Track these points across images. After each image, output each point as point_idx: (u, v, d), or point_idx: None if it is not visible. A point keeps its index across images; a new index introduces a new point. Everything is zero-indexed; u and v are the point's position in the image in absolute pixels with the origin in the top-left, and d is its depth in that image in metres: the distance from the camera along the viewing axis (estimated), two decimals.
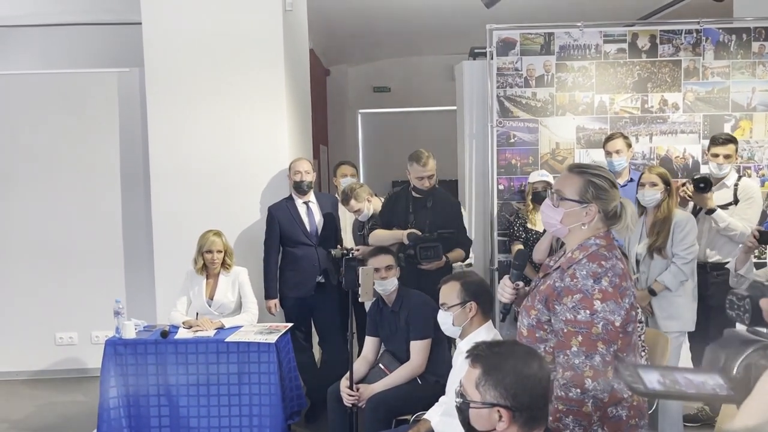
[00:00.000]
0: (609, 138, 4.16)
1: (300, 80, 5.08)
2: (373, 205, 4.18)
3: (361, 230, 4.28)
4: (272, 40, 4.46)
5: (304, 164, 4.27)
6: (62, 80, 5.00)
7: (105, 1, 5.75)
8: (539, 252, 3.81)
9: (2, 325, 4.96)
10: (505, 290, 2.09)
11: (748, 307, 0.71)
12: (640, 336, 2.81)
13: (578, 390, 1.74)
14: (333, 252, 3.86)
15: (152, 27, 4.46)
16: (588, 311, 1.77)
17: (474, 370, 1.49)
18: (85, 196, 4.97)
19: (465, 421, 1.50)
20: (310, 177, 4.26)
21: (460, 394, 1.52)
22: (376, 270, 3.32)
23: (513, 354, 1.50)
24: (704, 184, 3.58)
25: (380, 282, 3.33)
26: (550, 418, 1.72)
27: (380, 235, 3.91)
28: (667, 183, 3.46)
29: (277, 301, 4.24)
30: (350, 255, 3.74)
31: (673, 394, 0.74)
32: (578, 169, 1.93)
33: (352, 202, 4.13)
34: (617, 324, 1.77)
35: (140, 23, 4.47)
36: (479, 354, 1.51)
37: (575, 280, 1.81)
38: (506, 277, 2.10)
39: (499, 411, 1.44)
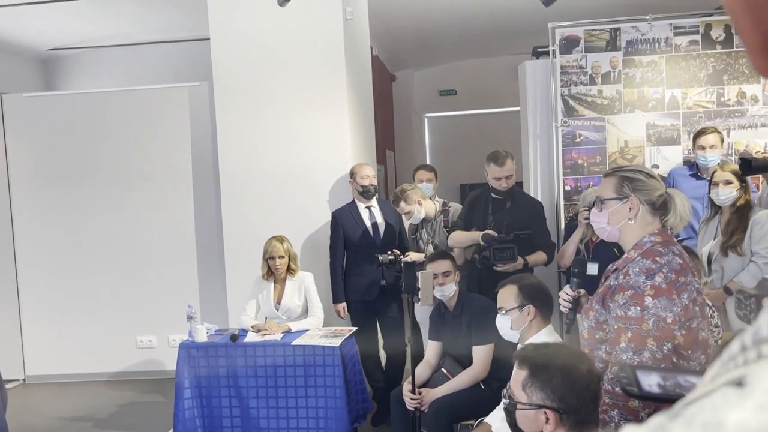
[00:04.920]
0: (701, 132, 3.97)
1: (362, 87, 5.15)
2: (424, 208, 4.14)
3: (414, 234, 4.27)
4: (333, 49, 4.54)
5: (366, 169, 4.31)
6: (139, 96, 5.28)
7: (178, 19, 6.04)
8: (565, 258, 3.76)
9: (87, 329, 5.26)
10: (564, 299, 2.10)
11: (753, 306, 0.67)
12: (715, 339, 2.69)
13: None
14: (380, 257, 3.85)
15: (220, 42, 4.64)
16: (638, 307, 1.77)
17: (521, 372, 1.48)
18: (161, 204, 5.22)
19: (512, 422, 1.48)
20: (374, 181, 4.31)
21: (508, 396, 1.51)
22: (434, 275, 3.31)
23: (560, 356, 1.47)
24: (747, 166, 3.23)
25: (438, 287, 3.32)
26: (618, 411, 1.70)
27: (458, 237, 3.90)
28: (741, 180, 3.28)
29: (344, 304, 4.29)
30: (397, 260, 3.73)
31: (672, 397, 0.71)
32: (611, 171, 2.01)
33: (402, 204, 4.10)
34: (669, 320, 1.75)
35: (208, 39, 4.67)
36: (526, 355, 1.49)
37: (628, 277, 1.83)
38: (567, 286, 2.12)
39: (546, 413, 1.42)
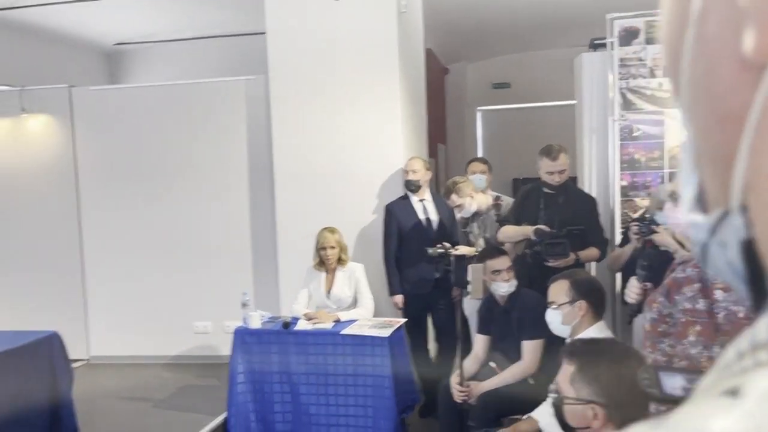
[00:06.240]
0: None
1: (415, 80, 5.16)
2: (476, 201, 4.12)
3: (465, 227, 4.26)
4: (387, 42, 4.57)
5: (412, 164, 4.34)
6: (198, 89, 5.42)
7: (236, 14, 6.18)
8: (618, 264, 3.69)
9: (148, 314, 5.47)
10: (631, 290, 2.07)
11: None
12: None
13: None
14: (430, 251, 3.84)
15: (276, 36, 4.73)
16: (708, 300, 1.73)
17: (569, 367, 1.47)
18: (217, 195, 5.36)
19: (560, 417, 1.48)
20: (418, 176, 4.30)
21: (556, 391, 1.51)
22: (497, 272, 3.28)
23: (609, 352, 1.46)
24: None
25: (501, 284, 3.29)
26: (663, 408, 1.68)
27: (509, 231, 3.87)
28: None
29: (402, 296, 4.31)
30: (447, 253, 3.71)
31: None
32: None
33: (453, 196, 4.08)
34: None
35: (264, 33, 4.76)
36: (574, 350, 1.49)
37: (696, 270, 1.79)
38: (633, 278, 2.09)
39: (594, 408, 1.41)
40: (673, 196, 1.92)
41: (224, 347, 4.97)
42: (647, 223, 3.41)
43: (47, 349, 3.01)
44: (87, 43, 7.16)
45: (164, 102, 5.43)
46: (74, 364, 4.40)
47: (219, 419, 4.03)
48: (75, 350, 5.20)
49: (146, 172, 5.44)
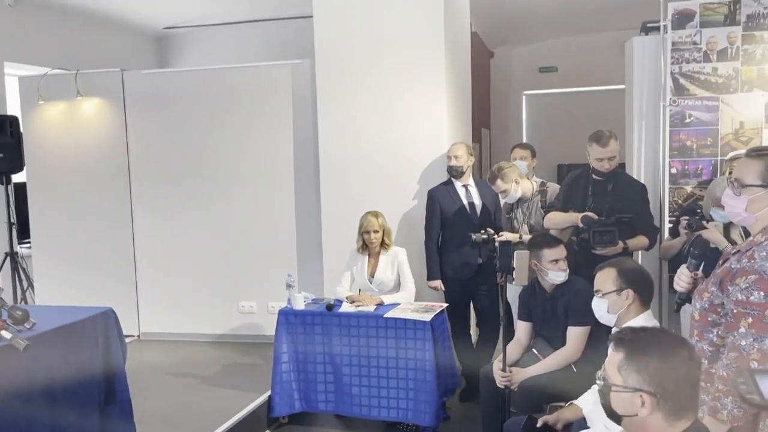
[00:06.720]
0: None
1: (460, 65, 5.12)
2: (521, 187, 4.08)
3: (509, 213, 4.22)
4: (433, 26, 4.54)
5: (455, 149, 4.33)
6: (244, 73, 5.48)
7: None
8: (669, 254, 3.63)
9: (196, 294, 5.61)
10: (681, 279, 2.06)
11: None
12: None
13: None
14: (474, 236, 3.82)
15: (322, 20, 4.76)
16: (762, 293, 1.71)
17: (617, 354, 1.47)
18: (264, 178, 5.44)
19: (606, 405, 1.48)
20: (461, 162, 4.29)
21: (603, 378, 1.51)
22: (555, 261, 3.27)
23: (659, 340, 1.45)
24: None
25: (558, 273, 3.27)
26: (709, 397, 1.67)
27: (555, 218, 3.82)
28: None
29: (440, 282, 4.34)
30: (491, 239, 3.69)
31: None
32: (757, 153, 1.86)
33: (498, 182, 4.05)
34: None
35: (311, 16, 4.78)
36: (623, 338, 1.48)
37: (752, 261, 1.76)
38: (683, 266, 2.07)
39: (641, 396, 1.41)
40: (737, 183, 1.84)
41: (269, 327, 5.08)
42: (697, 219, 3.35)
43: (103, 324, 3.13)
44: (137, 27, 7.33)
45: (212, 85, 5.51)
46: (126, 340, 4.56)
47: (263, 397, 4.13)
48: (126, 327, 5.37)
49: (194, 154, 5.55)
